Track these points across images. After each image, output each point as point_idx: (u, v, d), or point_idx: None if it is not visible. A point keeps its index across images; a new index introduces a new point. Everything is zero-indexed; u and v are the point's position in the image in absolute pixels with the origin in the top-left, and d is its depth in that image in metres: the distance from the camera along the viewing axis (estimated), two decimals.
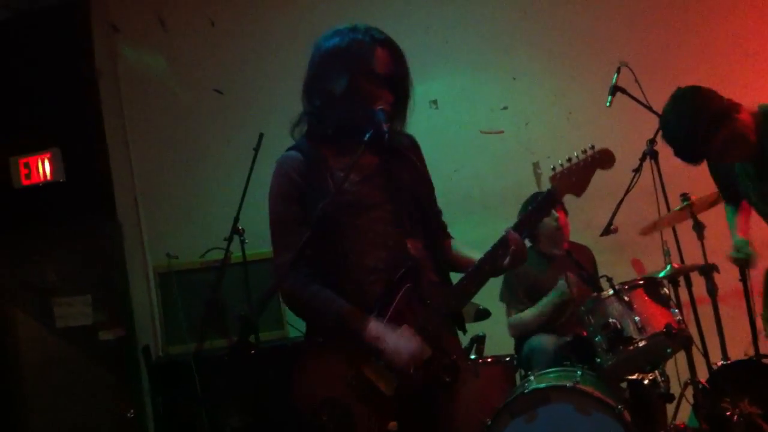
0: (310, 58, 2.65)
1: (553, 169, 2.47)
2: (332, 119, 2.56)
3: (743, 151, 3.44)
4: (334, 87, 2.54)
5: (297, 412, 2.48)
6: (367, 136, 2.44)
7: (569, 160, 2.46)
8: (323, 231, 2.46)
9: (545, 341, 4.21)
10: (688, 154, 3.46)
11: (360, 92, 2.52)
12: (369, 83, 2.53)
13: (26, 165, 5.37)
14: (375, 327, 2.44)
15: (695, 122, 3.30)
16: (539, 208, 2.50)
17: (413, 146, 2.74)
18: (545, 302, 4.30)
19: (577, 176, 2.45)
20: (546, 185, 2.50)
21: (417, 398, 2.49)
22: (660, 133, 3.62)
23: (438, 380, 2.50)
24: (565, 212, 4.50)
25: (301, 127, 2.68)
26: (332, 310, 2.47)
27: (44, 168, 5.36)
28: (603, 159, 2.46)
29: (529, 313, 4.34)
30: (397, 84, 2.59)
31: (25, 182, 5.36)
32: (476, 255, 2.58)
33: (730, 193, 3.90)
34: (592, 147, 2.46)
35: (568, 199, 2.59)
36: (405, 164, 2.66)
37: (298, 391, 2.49)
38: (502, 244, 2.47)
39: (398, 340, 2.42)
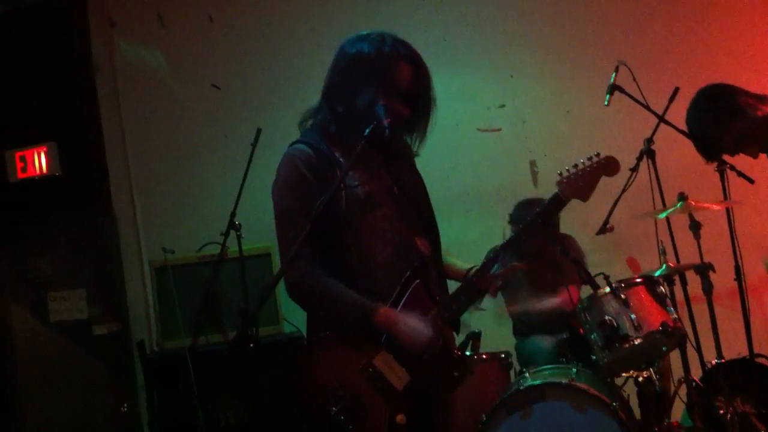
0: (334, 59, 2.67)
1: (560, 174, 2.53)
2: (352, 127, 2.57)
3: (760, 146, 3.31)
4: (357, 99, 2.57)
5: (304, 405, 2.48)
6: (367, 130, 2.45)
7: (575, 165, 2.53)
8: (333, 226, 2.47)
9: (546, 342, 4.21)
10: (704, 147, 3.42)
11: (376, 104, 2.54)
12: (389, 99, 2.56)
13: (22, 158, 5.34)
14: (386, 311, 2.48)
15: (710, 114, 3.24)
16: (547, 211, 2.56)
17: (412, 156, 2.82)
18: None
19: (583, 181, 2.52)
20: (542, 184, 2.57)
21: (424, 393, 2.51)
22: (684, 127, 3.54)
23: (447, 375, 2.53)
24: None
25: (310, 121, 2.68)
26: (347, 298, 2.48)
27: (40, 162, 5.34)
28: (608, 166, 2.54)
29: None
30: (417, 100, 2.63)
31: (20, 176, 5.34)
32: (457, 262, 2.78)
33: None
34: (598, 154, 2.54)
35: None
36: (408, 168, 2.77)
37: (307, 384, 2.50)
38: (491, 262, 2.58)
39: (414, 324, 2.47)
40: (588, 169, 2.52)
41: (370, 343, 2.49)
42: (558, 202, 2.53)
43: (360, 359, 2.48)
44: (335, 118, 2.60)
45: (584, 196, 2.54)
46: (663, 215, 3.94)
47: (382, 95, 2.54)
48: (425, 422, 2.55)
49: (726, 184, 4.20)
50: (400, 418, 2.45)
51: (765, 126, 3.20)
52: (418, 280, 2.54)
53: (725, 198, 4.17)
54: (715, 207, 4.02)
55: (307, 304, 2.61)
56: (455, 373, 2.54)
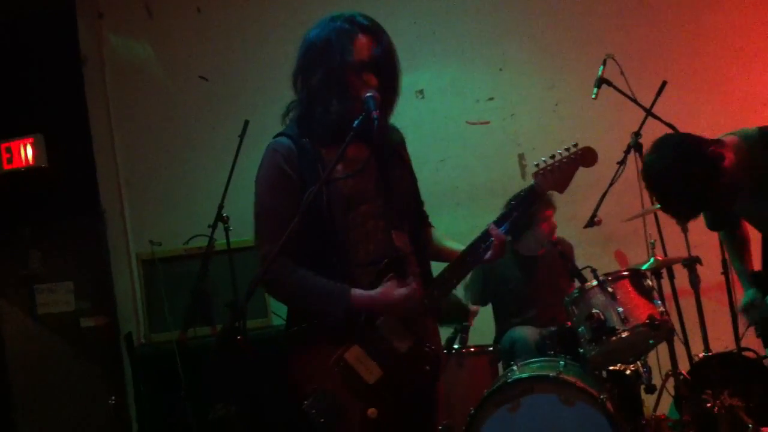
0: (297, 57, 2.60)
1: (537, 165, 2.49)
2: (317, 113, 2.52)
3: (737, 194, 3.00)
4: (311, 81, 2.50)
5: (285, 401, 2.47)
6: (356, 123, 2.42)
7: (553, 156, 2.47)
8: (313, 223, 2.45)
9: (526, 332, 4.23)
10: (684, 218, 3.34)
11: (340, 84, 2.47)
12: (349, 73, 2.48)
13: (8, 150, 5.32)
14: (360, 293, 2.46)
15: (689, 197, 2.90)
16: (522, 203, 2.52)
17: (401, 140, 2.73)
18: None
19: (560, 173, 2.47)
20: (531, 177, 2.52)
21: (399, 387, 2.48)
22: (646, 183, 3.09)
23: (419, 369, 2.51)
24: (554, 209, 4.51)
25: (291, 115, 2.65)
26: (322, 285, 2.46)
27: (26, 153, 5.32)
28: (586, 157, 2.47)
29: None
30: (381, 68, 2.53)
31: (6, 167, 5.32)
32: (455, 245, 2.65)
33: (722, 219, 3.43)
34: (575, 144, 2.47)
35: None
36: (394, 158, 2.67)
37: (285, 381, 2.48)
38: (484, 237, 2.50)
39: (386, 289, 2.47)
40: (565, 160, 2.46)
41: (342, 337, 2.47)
42: (534, 195, 2.51)
43: (332, 354, 2.46)
44: (302, 106, 2.56)
45: (561, 188, 2.50)
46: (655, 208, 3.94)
47: (353, 75, 2.47)
48: (404, 417, 2.51)
49: None
50: (371, 412, 2.42)
51: (737, 175, 2.91)
52: (391, 275, 2.50)
53: None
54: None
55: (283, 299, 2.60)
56: (427, 368, 2.52)
